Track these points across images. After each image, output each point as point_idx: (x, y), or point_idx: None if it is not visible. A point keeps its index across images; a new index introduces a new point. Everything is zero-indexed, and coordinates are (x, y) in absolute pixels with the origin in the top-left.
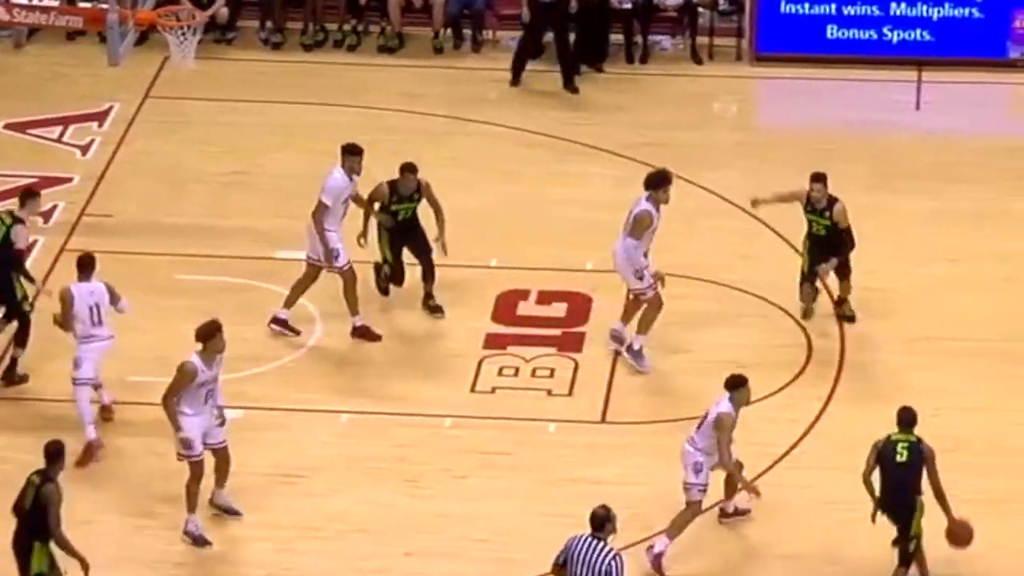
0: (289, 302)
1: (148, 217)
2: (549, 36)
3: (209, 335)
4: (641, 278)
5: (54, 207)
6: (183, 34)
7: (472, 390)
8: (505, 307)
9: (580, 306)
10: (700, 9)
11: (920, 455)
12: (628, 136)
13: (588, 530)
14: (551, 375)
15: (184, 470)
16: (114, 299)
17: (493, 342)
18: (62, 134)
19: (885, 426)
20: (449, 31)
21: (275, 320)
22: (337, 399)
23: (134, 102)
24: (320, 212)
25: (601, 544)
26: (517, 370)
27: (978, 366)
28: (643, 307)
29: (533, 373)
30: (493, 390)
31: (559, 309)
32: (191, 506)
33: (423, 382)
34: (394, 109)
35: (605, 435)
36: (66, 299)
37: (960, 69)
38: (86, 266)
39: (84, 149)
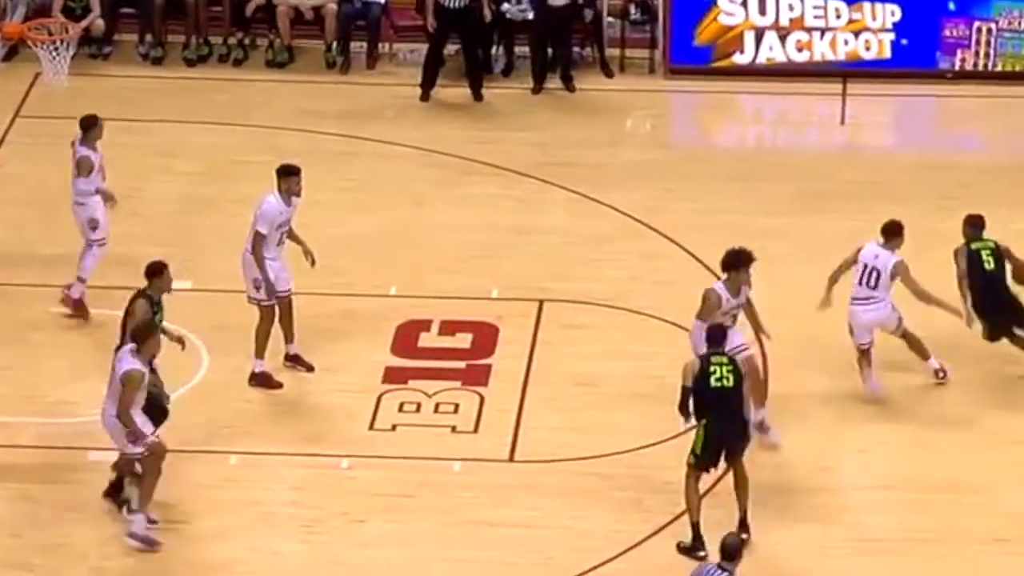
0: (260, 351)
1: (19, 246)
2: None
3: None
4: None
5: None
6: (55, 49)
7: (371, 427)
8: (406, 338)
9: (486, 337)
10: (610, 19)
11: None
12: (534, 155)
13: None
14: (455, 411)
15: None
16: None
17: (393, 376)
18: None
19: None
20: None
21: (253, 376)
22: (224, 438)
23: (2, 122)
24: (257, 242)
25: None
26: (419, 405)
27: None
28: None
29: (436, 408)
30: (393, 427)
31: (463, 340)
32: (145, 502)
33: (318, 419)
34: (286, 128)
35: (513, 474)
36: None
37: (887, 81)
38: None
39: None
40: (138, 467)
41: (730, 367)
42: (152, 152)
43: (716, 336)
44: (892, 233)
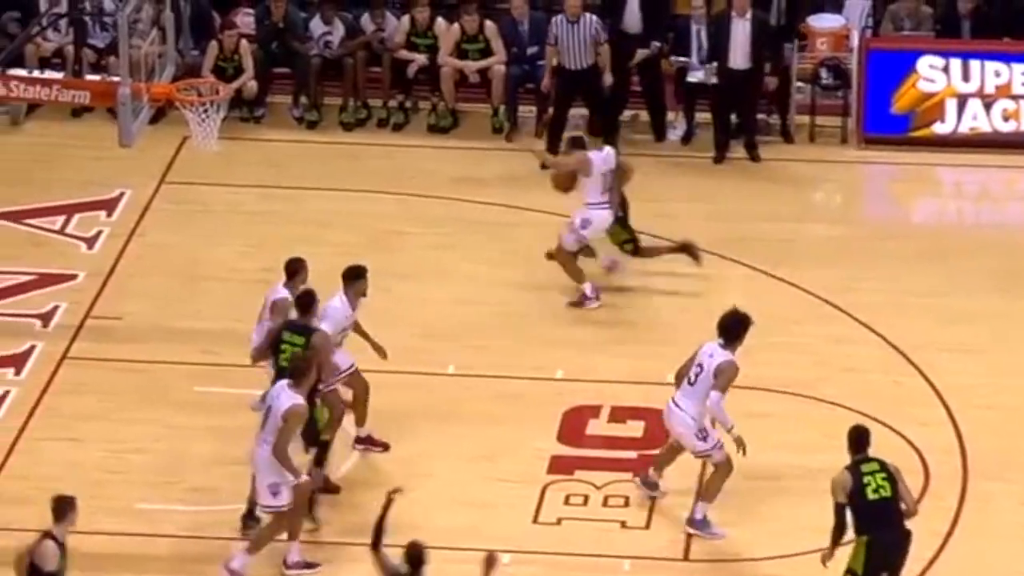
0: (360, 418)
1: (162, 320)
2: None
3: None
4: (705, 438)
5: (55, 308)
6: (205, 111)
7: (534, 521)
8: (573, 425)
9: (659, 425)
10: (799, 84)
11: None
12: (713, 228)
13: None
14: (625, 504)
15: None
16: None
17: (559, 465)
18: (65, 225)
19: (1009, 562)
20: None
21: (358, 440)
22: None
23: (148, 188)
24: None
25: None
26: (587, 498)
27: None
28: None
29: (605, 502)
30: (559, 521)
31: (635, 428)
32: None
33: (477, 511)
34: (445, 196)
35: (687, 574)
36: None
37: None
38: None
39: (90, 242)
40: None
41: (883, 474)
42: (302, 221)
43: (861, 439)
44: None
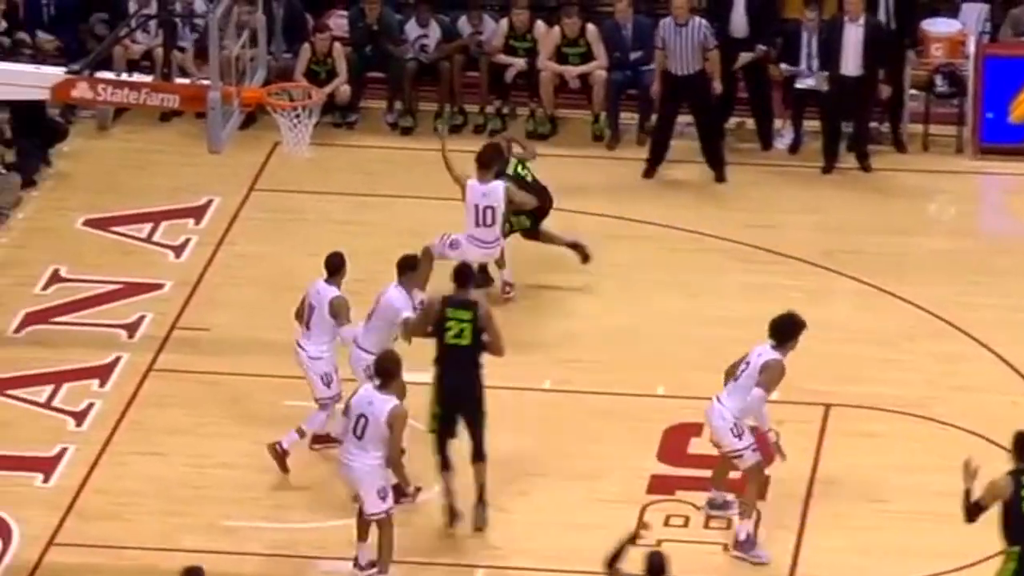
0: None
1: (250, 332)
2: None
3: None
4: (740, 436)
5: (141, 318)
6: (296, 116)
7: (633, 542)
8: (674, 444)
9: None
10: (912, 92)
11: None
12: (822, 241)
13: None
14: (728, 526)
15: None
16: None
17: (659, 485)
18: (152, 232)
19: None
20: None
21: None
22: (470, 550)
23: (237, 195)
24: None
25: None
26: (688, 520)
27: None
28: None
29: (707, 523)
30: (659, 543)
31: None
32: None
33: (575, 532)
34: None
35: None
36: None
37: None
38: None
39: (177, 250)
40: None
41: None
42: (396, 231)
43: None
44: None
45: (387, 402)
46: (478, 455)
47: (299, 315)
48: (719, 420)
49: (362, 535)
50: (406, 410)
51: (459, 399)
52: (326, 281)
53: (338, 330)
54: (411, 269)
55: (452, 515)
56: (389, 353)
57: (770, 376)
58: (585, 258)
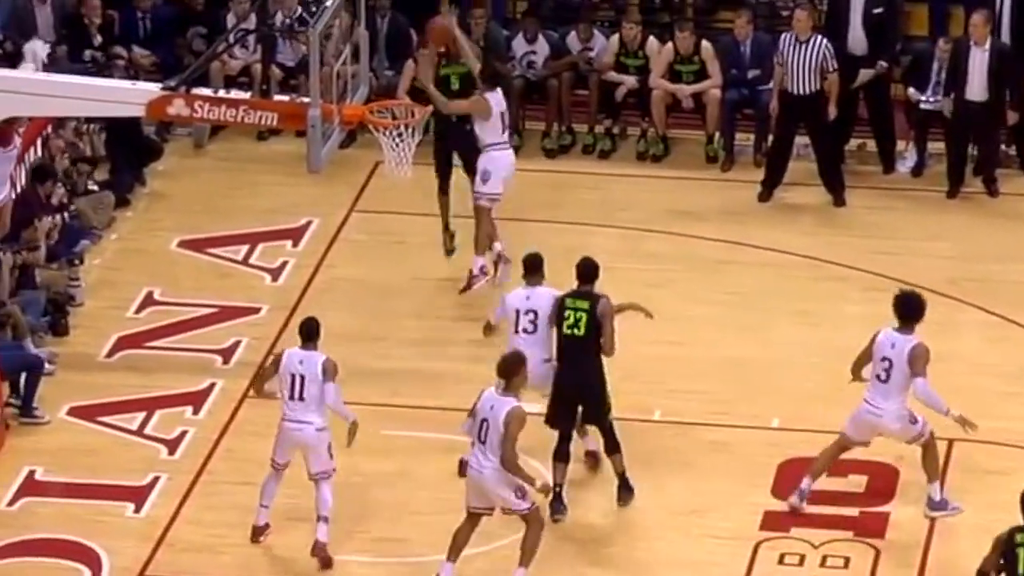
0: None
1: (349, 359)
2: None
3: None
4: (916, 421)
5: (236, 343)
6: (399, 135)
7: None
8: (789, 479)
9: (884, 480)
10: None
11: None
12: (947, 269)
13: None
14: (846, 565)
15: None
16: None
17: (773, 522)
18: (248, 255)
19: None
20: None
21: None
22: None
23: (337, 217)
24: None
25: None
26: (803, 558)
27: None
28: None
29: (823, 562)
30: None
31: (857, 483)
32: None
33: (685, 568)
34: (656, 230)
35: None
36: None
37: None
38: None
39: (275, 273)
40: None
41: None
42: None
43: None
44: None
45: (507, 404)
46: (611, 447)
47: (260, 387)
48: (896, 421)
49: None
50: (524, 412)
51: (578, 392)
52: (303, 348)
53: (326, 386)
54: (536, 270)
55: (557, 506)
56: (515, 354)
57: (923, 362)
58: (448, 252)
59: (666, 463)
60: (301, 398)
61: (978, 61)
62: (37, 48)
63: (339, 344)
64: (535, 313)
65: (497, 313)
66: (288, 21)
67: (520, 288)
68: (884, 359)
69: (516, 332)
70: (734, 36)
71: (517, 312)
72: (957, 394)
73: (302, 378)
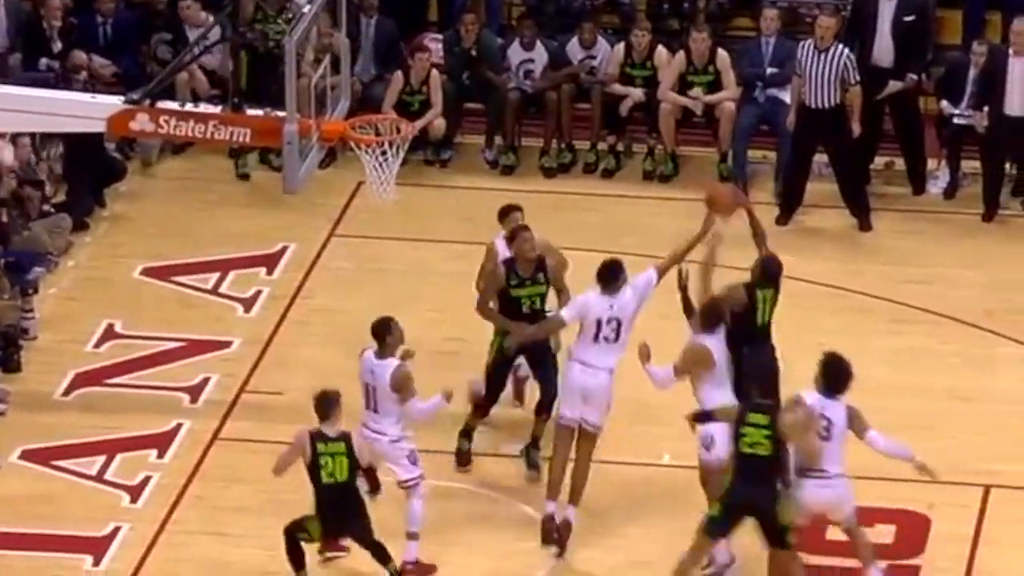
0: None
1: None
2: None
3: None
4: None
5: (205, 381)
6: (383, 152)
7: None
8: (812, 529)
9: (914, 530)
10: None
11: None
12: (982, 299)
13: None
14: None
15: None
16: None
17: None
18: (218, 283)
19: None
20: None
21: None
22: None
23: (315, 242)
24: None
25: None
26: None
27: None
28: None
29: None
30: None
31: (885, 533)
32: None
33: None
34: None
35: None
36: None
37: None
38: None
39: (247, 304)
40: None
41: None
42: None
43: None
44: None
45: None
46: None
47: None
48: (847, 492)
49: None
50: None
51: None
52: (377, 354)
53: (405, 408)
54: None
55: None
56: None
57: (863, 417)
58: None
59: (675, 511)
60: (375, 409)
61: (1018, 72)
62: None
63: (318, 380)
64: (618, 322)
65: (570, 314)
66: (262, 29)
67: (594, 293)
68: (823, 427)
69: (596, 340)
70: (758, 33)
71: (599, 321)
72: (993, 436)
73: (374, 389)
